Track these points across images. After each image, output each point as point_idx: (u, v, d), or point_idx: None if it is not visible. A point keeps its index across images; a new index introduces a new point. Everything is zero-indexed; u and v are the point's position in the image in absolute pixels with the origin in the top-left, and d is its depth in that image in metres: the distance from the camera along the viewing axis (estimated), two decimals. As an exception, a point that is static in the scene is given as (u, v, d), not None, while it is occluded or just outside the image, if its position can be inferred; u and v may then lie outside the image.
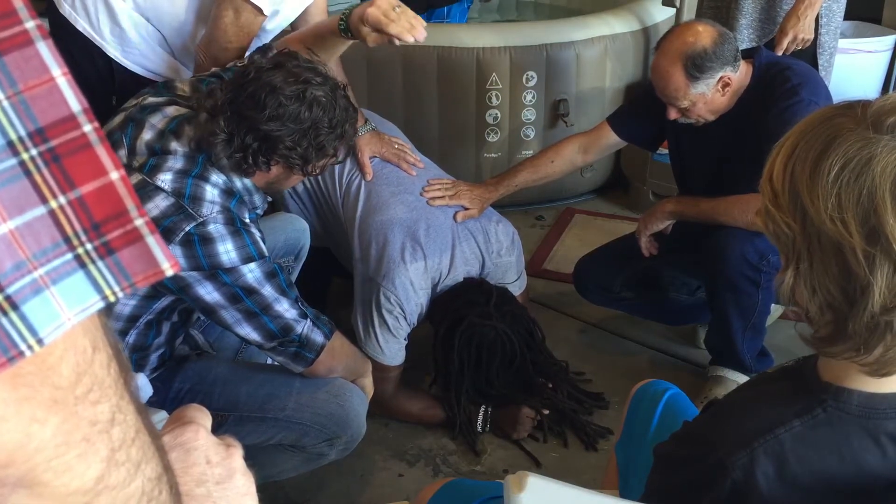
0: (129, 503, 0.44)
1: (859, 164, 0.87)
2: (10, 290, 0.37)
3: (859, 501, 0.96)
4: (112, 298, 0.40)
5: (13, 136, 0.37)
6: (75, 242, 0.39)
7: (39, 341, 0.38)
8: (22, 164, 0.38)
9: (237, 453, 0.62)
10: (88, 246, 0.39)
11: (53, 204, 0.38)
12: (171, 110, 1.76)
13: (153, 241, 0.41)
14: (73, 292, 0.39)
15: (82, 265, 0.39)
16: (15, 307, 0.37)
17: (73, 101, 0.39)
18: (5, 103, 0.37)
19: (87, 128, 0.40)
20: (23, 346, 0.38)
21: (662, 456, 1.10)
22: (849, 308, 0.89)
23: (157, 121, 1.74)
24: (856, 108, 0.91)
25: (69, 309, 0.39)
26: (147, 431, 0.47)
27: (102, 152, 0.40)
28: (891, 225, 0.85)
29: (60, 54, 0.40)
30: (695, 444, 1.06)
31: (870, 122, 0.89)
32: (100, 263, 0.40)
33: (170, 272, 0.42)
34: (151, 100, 1.80)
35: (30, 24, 0.38)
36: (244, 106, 1.65)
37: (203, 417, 0.62)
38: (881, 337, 0.89)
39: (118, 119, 1.78)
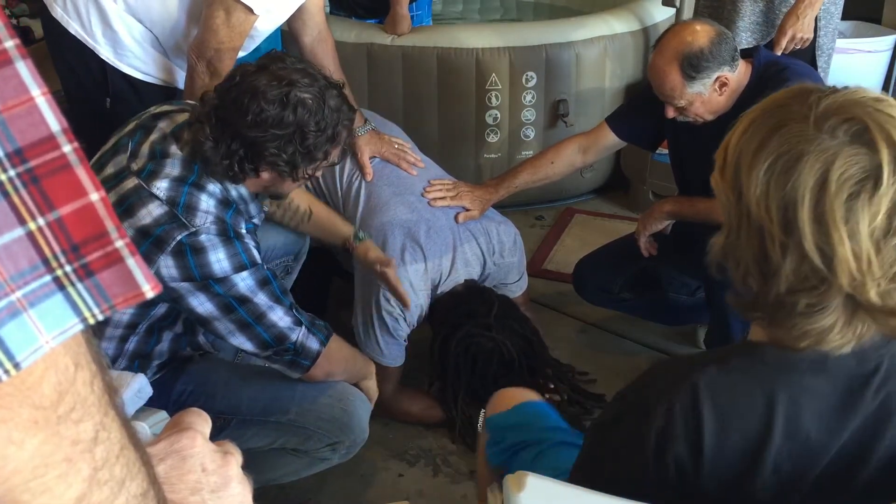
0: None
1: (791, 159, 0.91)
2: None
3: (770, 455, 0.97)
4: (91, 321, 0.40)
5: None
6: (54, 264, 0.38)
7: (16, 365, 0.37)
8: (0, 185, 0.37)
9: (234, 461, 0.61)
10: (68, 268, 0.39)
11: (32, 226, 0.38)
12: (180, 116, 1.76)
13: (133, 263, 0.41)
14: (51, 315, 0.38)
15: (61, 287, 0.39)
16: None
17: (53, 121, 0.39)
18: None
19: (67, 148, 0.39)
20: None
21: (597, 424, 1.14)
22: (762, 284, 0.95)
23: (164, 125, 1.74)
24: (810, 98, 0.94)
25: (47, 332, 0.38)
26: (133, 446, 0.46)
27: (82, 173, 0.39)
28: (804, 222, 0.89)
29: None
30: (625, 399, 1.09)
31: (814, 118, 0.92)
32: (79, 285, 0.39)
33: (150, 294, 0.41)
34: (165, 108, 1.80)
35: (9, 44, 0.38)
36: (228, 112, 1.62)
37: (201, 423, 0.61)
38: (787, 315, 0.95)
39: (129, 127, 1.77)
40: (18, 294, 0.37)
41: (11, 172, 0.37)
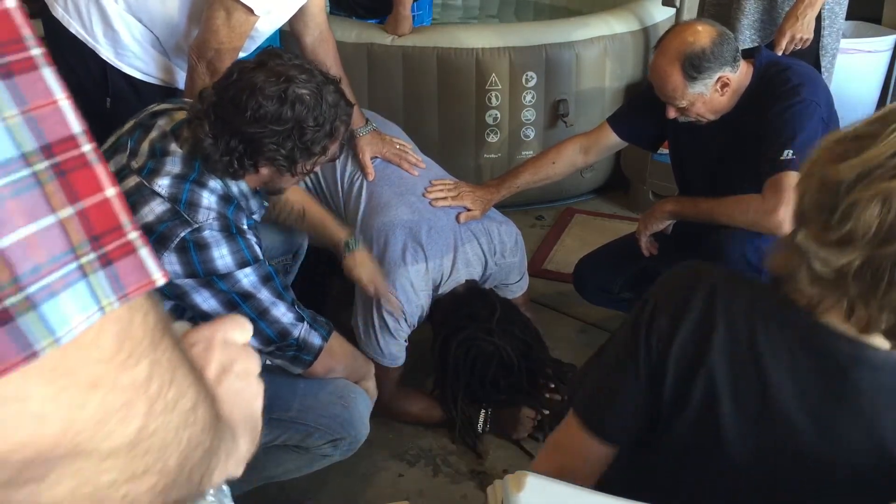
0: (166, 439, 0.47)
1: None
2: (30, 290, 0.39)
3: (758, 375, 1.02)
4: (108, 309, 0.42)
5: (27, 149, 0.40)
6: (80, 252, 0.41)
7: (57, 341, 0.40)
8: (34, 175, 0.40)
9: (255, 359, 0.65)
10: (91, 256, 0.41)
11: (62, 214, 0.40)
12: (178, 114, 1.76)
13: (145, 253, 0.44)
14: (79, 300, 0.41)
15: (84, 275, 0.41)
16: (34, 306, 0.39)
17: (75, 122, 0.42)
18: (18, 119, 0.39)
19: (87, 147, 0.42)
20: (38, 346, 0.39)
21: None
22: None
23: (164, 123, 1.74)
24: None
25: (78, 314, 0.40)
26: (181, 364, 0.48)
27: (101, 170, 0.43)
28: None
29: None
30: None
31: None
32: (100, 273, 0.41)
33: (161, 282, 0.44)
34: (164, 106, 1.80)
35: (36, 52, 0.41)
36: (226, 109, 1.63)
37: (233, 328, 0.64)
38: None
39: (128, 126, 1.78)
40: (56, 276, 0.40)
41: (43, 164, 0.40)
